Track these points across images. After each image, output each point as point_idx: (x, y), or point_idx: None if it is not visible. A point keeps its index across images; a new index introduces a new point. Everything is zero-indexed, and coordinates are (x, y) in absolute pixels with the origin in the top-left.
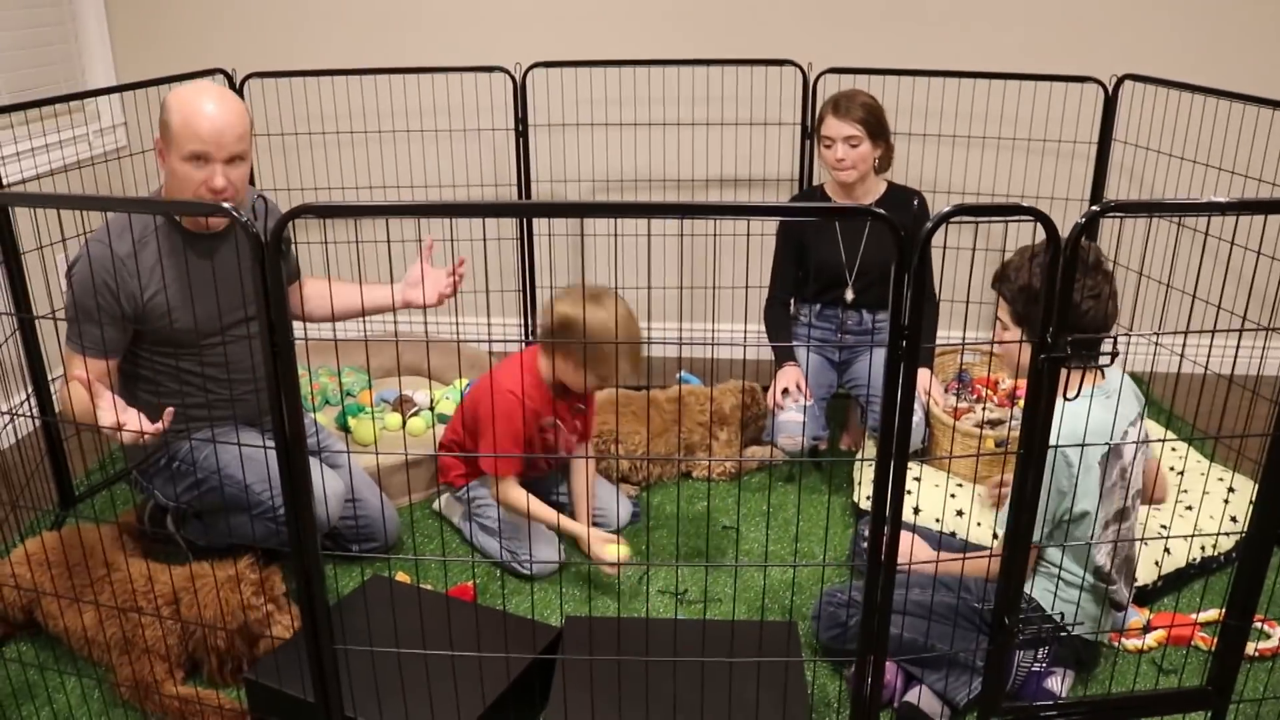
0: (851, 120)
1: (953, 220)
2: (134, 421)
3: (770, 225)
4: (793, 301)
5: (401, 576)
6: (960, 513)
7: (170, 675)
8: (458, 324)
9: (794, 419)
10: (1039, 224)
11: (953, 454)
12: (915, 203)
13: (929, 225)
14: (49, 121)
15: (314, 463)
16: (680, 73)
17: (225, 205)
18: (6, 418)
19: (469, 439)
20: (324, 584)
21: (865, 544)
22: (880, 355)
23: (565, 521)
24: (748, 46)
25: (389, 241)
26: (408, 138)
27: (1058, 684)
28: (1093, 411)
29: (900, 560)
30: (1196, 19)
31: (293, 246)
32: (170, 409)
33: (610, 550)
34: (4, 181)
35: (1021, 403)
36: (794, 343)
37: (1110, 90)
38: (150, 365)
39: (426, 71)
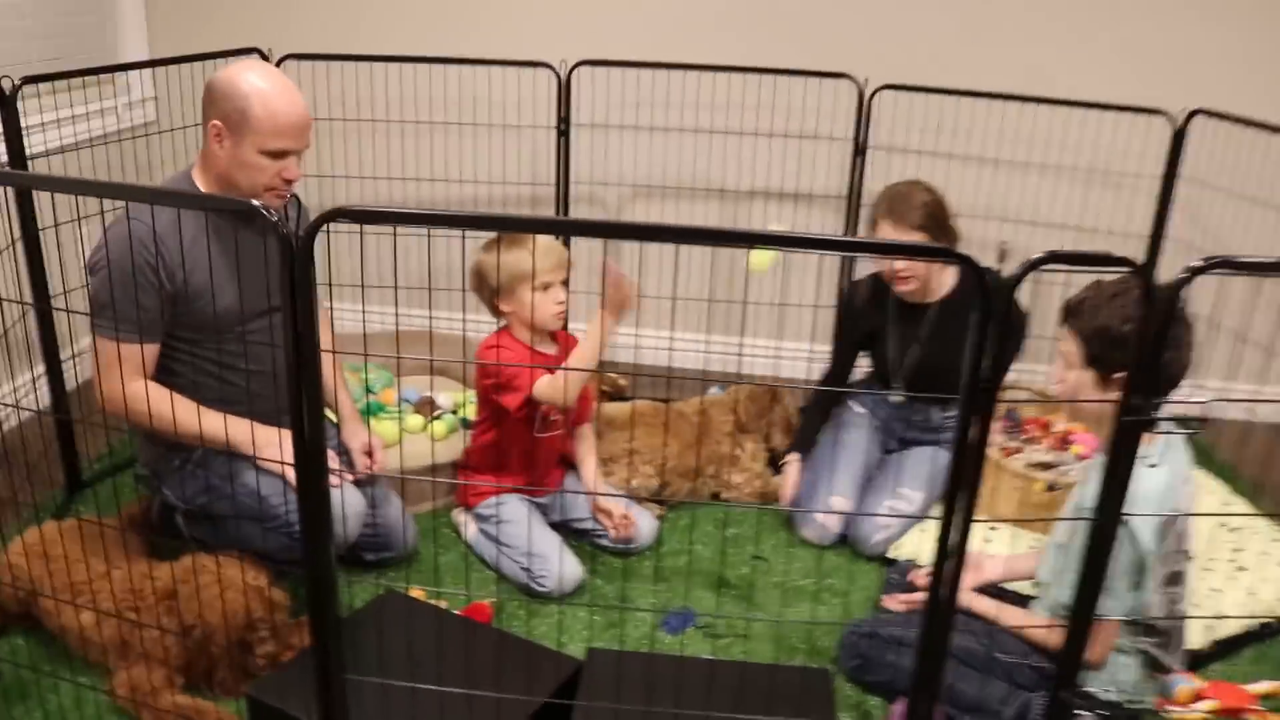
0: (909, 227)
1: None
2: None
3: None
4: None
5: (416, 591)
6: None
7: (169, 683)
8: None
9: (824, 522)
10: (1136, 276)
11: (1001, 496)
12: (1000, 260)
13: (1017, 272)
14: (78, 93)
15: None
16: (731, 79)
17: (255, 204)
18: (20, 393)
19: (490, 421)
20: (336, 607)
21: (894, 589)
22: (927, 455)
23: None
24: (802, 57)
25: (430, 236)
26: (445, 130)
27: None
28: (1157, 476)
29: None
30: (1276, 54)
31: None
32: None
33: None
34: (29, 152)
35: (1075, 447)
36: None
37: (1179, 124)
38: (187, 358)
39: (470, 63)
